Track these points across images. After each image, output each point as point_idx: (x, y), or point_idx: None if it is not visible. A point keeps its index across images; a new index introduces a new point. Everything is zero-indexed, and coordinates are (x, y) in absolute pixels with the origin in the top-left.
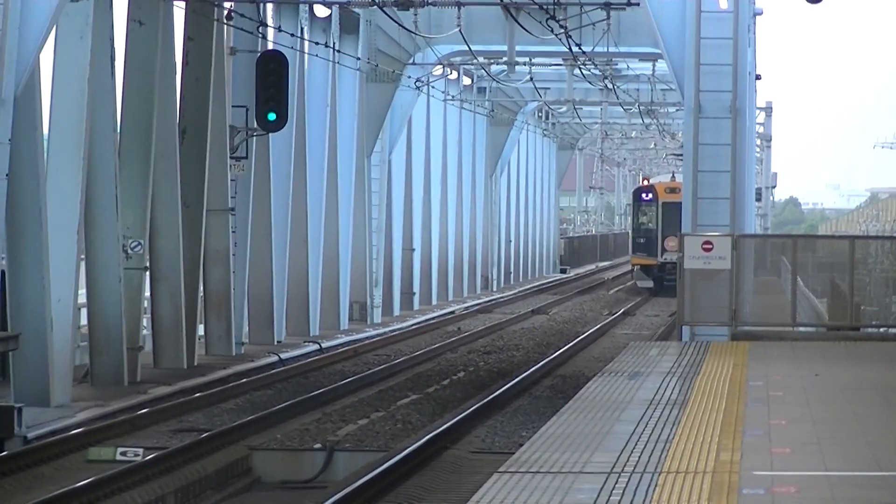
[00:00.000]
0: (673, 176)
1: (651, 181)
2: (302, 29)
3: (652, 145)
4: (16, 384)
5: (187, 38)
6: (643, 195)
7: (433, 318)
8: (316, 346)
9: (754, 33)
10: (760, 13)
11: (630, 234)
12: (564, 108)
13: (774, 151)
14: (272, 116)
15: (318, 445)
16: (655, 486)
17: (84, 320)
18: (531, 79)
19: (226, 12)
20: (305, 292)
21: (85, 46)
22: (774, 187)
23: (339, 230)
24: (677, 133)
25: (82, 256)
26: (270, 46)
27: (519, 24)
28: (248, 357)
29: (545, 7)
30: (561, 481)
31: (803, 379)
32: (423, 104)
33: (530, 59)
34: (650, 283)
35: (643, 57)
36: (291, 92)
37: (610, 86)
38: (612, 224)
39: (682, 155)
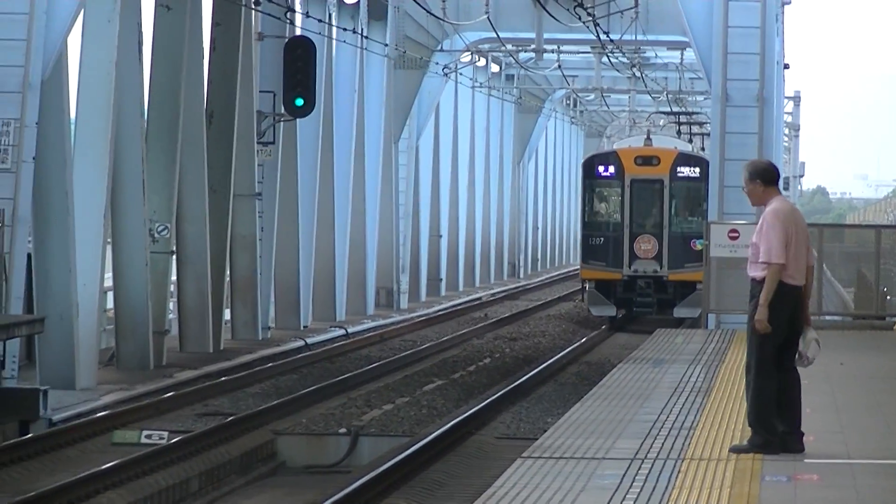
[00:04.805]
0: (648, 138)
1: (615, 146)
2: (330, 15)
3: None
4: (41, 367)
5: (215, 24)
6: (600, 168)
7: (459, 305)
8: (342, 332)
9: (782, 22)
10: (789, 2)
11: (580, 230)
12: (592, 96)
13: (802, 141)
14: (299, 102)
15: (342, 430)
16: (678, 472)
17: (110, 304)
18: (559, 66)
19: None
20: (332, 278)
21: (112, 31)
22: (802, 176)
23: (366, 216)
24: (706, 123)
25: (109, 240)
26: (298, 32)
27: (547, 11)
28: (273, 342)
29: None
30: (584, 467)
31: (828, 367)
32: (450, 91)
33: (558, 47)
34: (612, 311)
35: (671, 45)
36: (319, 78)
37: (638, 74)
38: None
39: (670, 113)
